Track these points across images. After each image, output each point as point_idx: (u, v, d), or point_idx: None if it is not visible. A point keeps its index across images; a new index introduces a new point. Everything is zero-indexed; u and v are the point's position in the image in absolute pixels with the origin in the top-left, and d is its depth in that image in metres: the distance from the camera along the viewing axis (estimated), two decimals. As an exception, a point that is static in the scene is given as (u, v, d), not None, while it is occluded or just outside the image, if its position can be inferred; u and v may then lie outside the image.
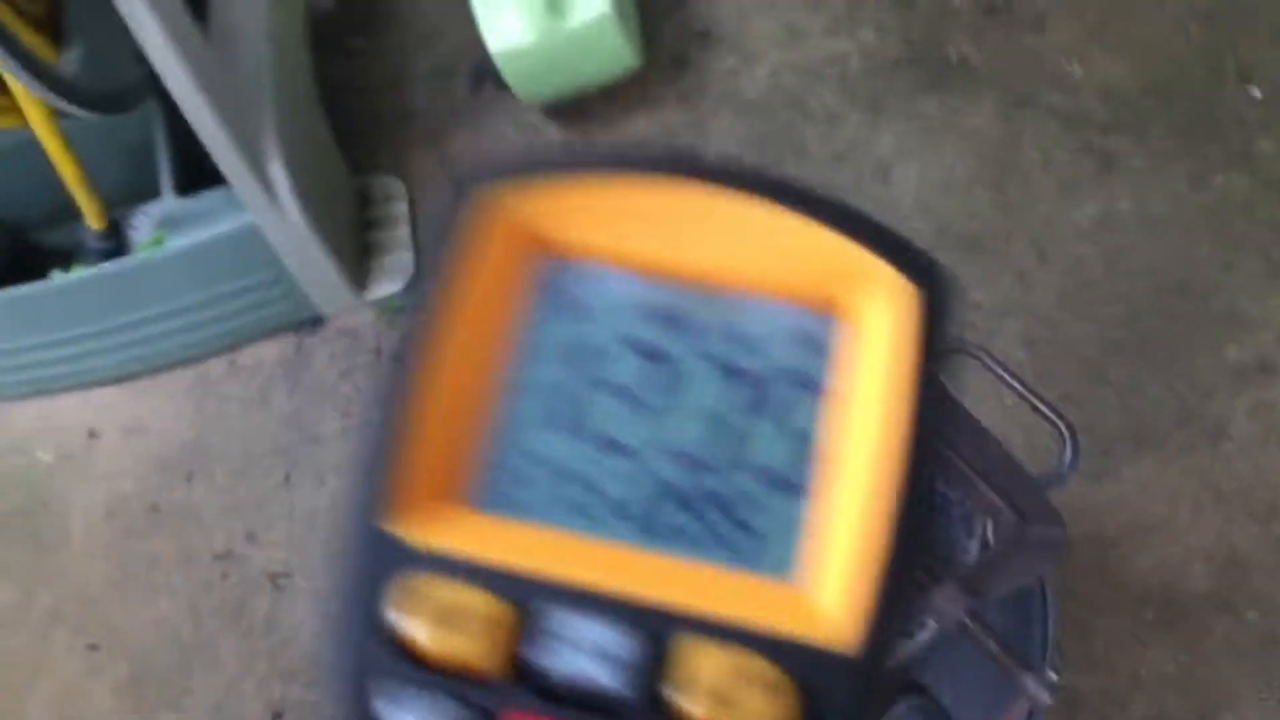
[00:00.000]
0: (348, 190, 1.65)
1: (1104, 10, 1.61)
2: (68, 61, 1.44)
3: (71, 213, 1.54)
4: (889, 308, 0.39)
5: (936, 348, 0.38)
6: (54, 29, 1.48)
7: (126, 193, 1.62)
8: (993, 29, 1.62)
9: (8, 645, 1.52)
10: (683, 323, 0.41)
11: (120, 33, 1.25)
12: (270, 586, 1.48)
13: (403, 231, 1.64)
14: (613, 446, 0.40)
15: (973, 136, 1.55)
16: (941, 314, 0.39)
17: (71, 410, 1.63)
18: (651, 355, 0.41)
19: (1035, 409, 0.99)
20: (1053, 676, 0.69)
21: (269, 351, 1.61)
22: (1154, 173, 1.50)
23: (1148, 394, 1.38)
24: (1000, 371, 1.01)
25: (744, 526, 0.38)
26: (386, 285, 1.61)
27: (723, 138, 1.61)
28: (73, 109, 1.30)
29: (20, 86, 1.29)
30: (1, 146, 1.56)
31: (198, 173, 1.52)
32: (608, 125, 1.64)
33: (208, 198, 1.53)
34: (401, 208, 1.65)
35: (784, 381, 0.40)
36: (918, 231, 1.50)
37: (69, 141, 1.41)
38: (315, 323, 1.61)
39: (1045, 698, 0.69)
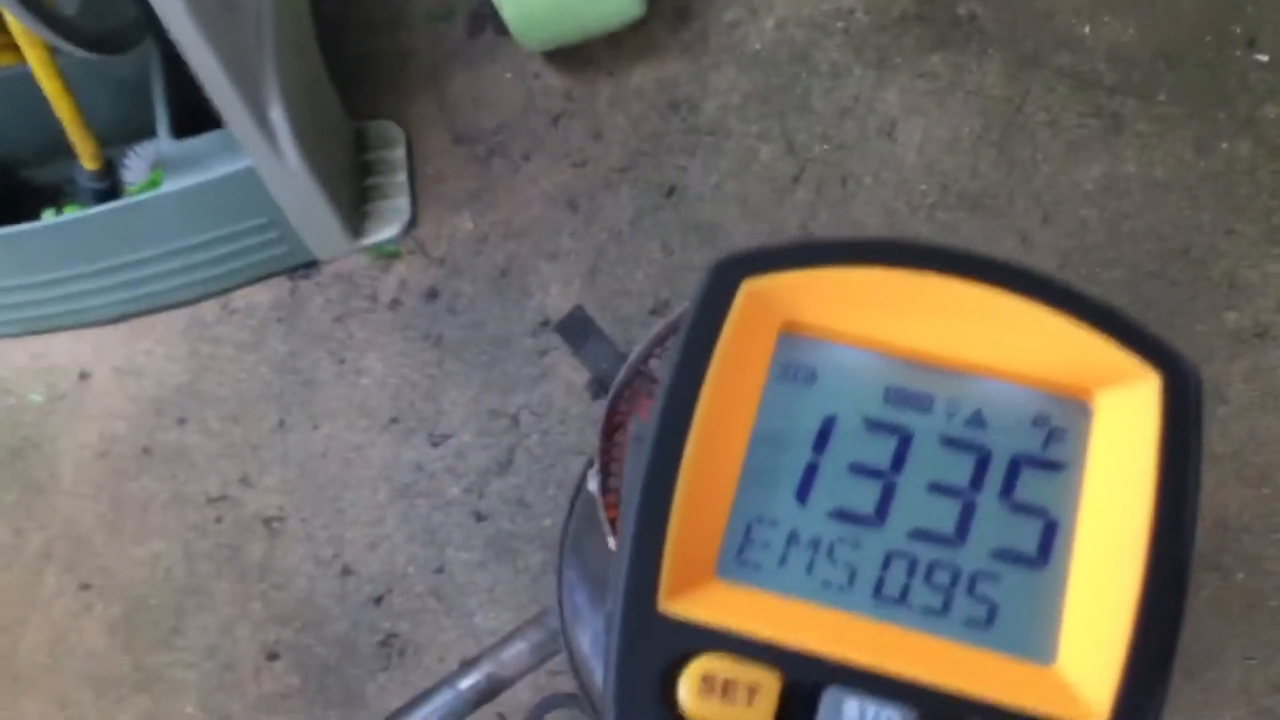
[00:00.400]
0: (345, 134, 1.63)
1: (1112, -30, 1.60)
2: (66, 0, 1.41)
3: (65, 151, 1.52)
4: (1132, 394, 0.40)
5: (1184, 432, 0.39)
6: (49, -38, 1.45)
7: (121, 133, 1.59)
8: (1001, -14, 1.60)
9: (-1, 584, 1.52)
10: (923, 402, 0.42)
11: (120, -32, 1.22)
12: (265, 530, 1.48)
13: (400, 177, 1.62)
14: (861, 522, 0.41)
15: (979, 95, 1.54)
16: (1185, 399, 0.39)
17: (63, 351, 1.62)
18: (893, 432, 0.42)
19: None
20: None
21: (263, 295, 1.60)
22: (1160, 137, 1.49)
23: (1146, 358, 1.38)
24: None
25: (991, 606, 0.39)
26: (383, 230, 1.60)
27: (726, 90, 1.60)
28: (70, 47, 1.28)
29: (18, 24, 1.27)
30: (-6, 81, 1.53)
31: (194, 115, 1.50)
32: (609, 74, 1.63)
33: (204, 140, 1.51)
34: (399, 152, 1.64)
35: (1025, 463, 0.41)
36: (921, 190, 1.50)
37: (65, 80, 1.39)
38: (310, 266, 1.60)
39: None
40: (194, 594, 1.47)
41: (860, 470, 0.41)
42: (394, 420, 1.51)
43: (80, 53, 1.29)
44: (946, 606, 0.39)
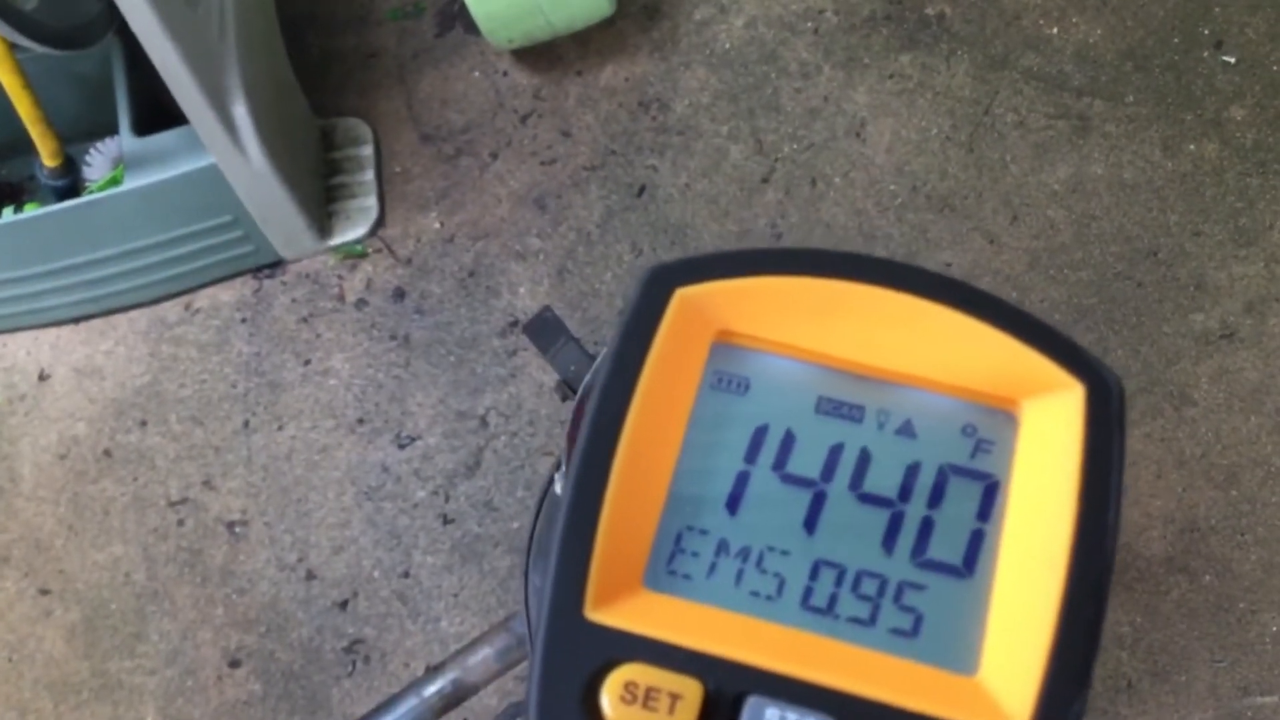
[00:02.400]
0: (311, 132, 1.61)
1: (1080, -29, 1.60)
2: (24, -8, 1.39)
3: (26, 148, 1.49)
4: (1056, 403, 0.40)
5: (1106, 441, 0.39)
6: (7, -44, 1.43)
7: (83, 130, 1.57)
8: (970, -13, 1.60)
9: (-44, 589, 1.49)
10: (854, 413, 0.42)
11: (79, -38, 1.20)
12: (228, 534, 1.46)
13: (367, 176, 1.60)
14: (790, 532, 0.41)
15: (948, 96, 1.54)
16: (1108, 409, 0.39)
17: (22, 350, 1.59)
18: (824, 442, 0.42)
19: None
20: None
21: (227, 294, 1.58)
22: (1128, 138, 1.49)
23: (1114, 359, 1.39)
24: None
25: (917, 615, 0.39)
26: (350, 230, 1.58)
27: (695, 90, 1.59)
28: (30, 43, 1.25)
29: (-26, 16, 1.24)
30: (-49, 76, 1.50)
31: (156, 111, 1.48)
32: (578, 73, 1.61)
33: (167, 137, 1.49)
34: (366, 151, 1.62)
35: (953, 473, 0.41)
36: (890, 190, 1.50)
37: (26, 76, 1.37)
38: (275, 266, 1.58)
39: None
40: (155, 599, 1.45)
41: (791, 480, 0.42)
42: (360, 421, 1.49)
43: (40, 48, 1.26)
44: (873, 617, 0.39)
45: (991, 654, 0.38)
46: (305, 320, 1.55)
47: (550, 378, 1.45)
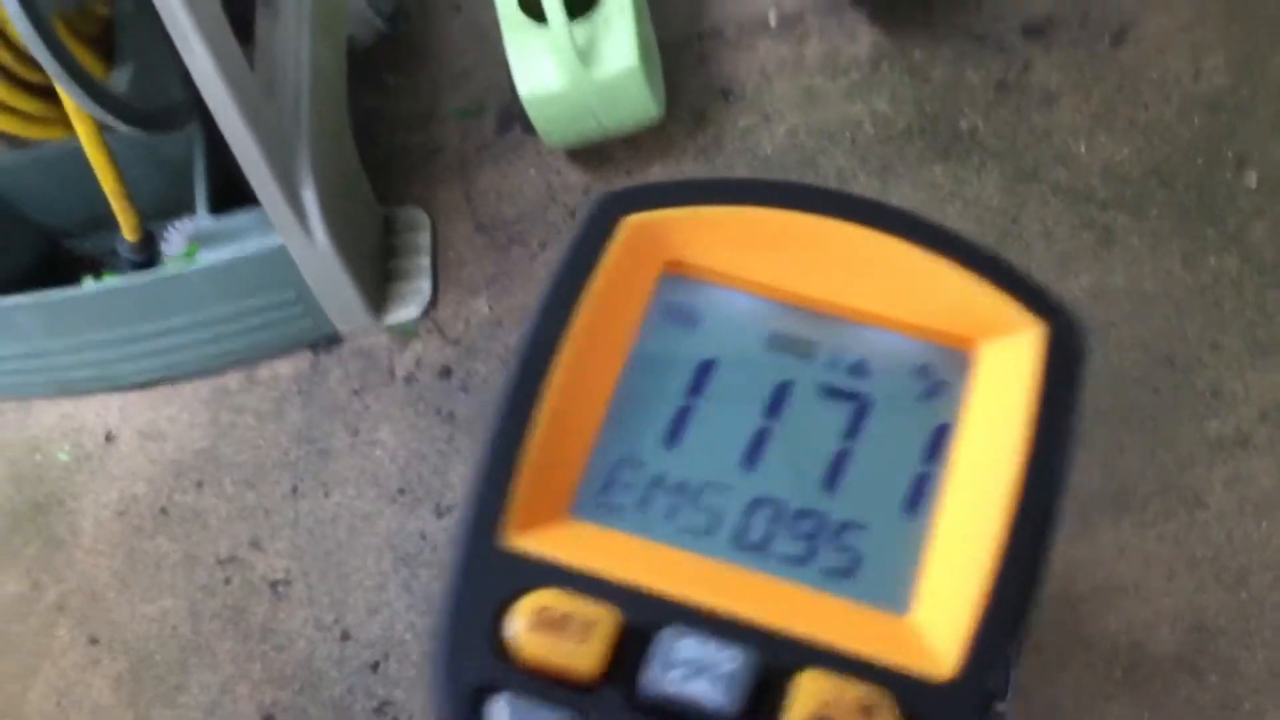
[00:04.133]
0: (373, 218, 1.72)
1: (1112, 96, 1.67)
2: (117, 79, 1.51)
3: (107, 223, 1.61)
4: (1015, 345, 0.39)
5: (1062, 385, 0.38)
6: (106, 48, 1.56)
7: (162, 208, 1.68)
8: (1003, 105, 1.68)
9: (13, 633, 1.57)
10: (805, 349, 0.41)
11: (169, 55, 1.32)
12: (270, 593, 1.53)
13: (423, 260, 1.70)
14: (730, 468, 0.40)
15: (976, 204, 1.61)
16: (1068, 352, 0.39)
17: (92, 412, 1.69)
18: (772, 378, 0.41)
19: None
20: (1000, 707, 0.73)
21: (286, 367, 1.67)
22: (1150, 251, 1.55)
23: (1129, 461, 1.42)
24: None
25: (855, 555, 0.38)
26: (403, 310, 1.67)
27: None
28: (120, 125, 1.37)
29: (71, 101, 1.36)
30: (46, 156, 1.63)
31: (230, 192, 1.59)
32: (627, 172, 1.71)
33: (239, 217, 1.60)
34: (424, 237, 1.72)
35: (904, 413, 0.40)
36: (917, 292, 1.56)
37: (112, 155, 1.49)
38: (332, 341, 1.67)
39: None
40: (198, 652, 1.52)
41: (735, 416, 0.40)
42: (402, 491, 1.56)
43: (128, 130, 1.38)
44: (809, 555, 0.38)
45: (926, 595, 0.37)
46: (356, 393, 1.64)
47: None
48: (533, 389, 0.39)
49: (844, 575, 0.38)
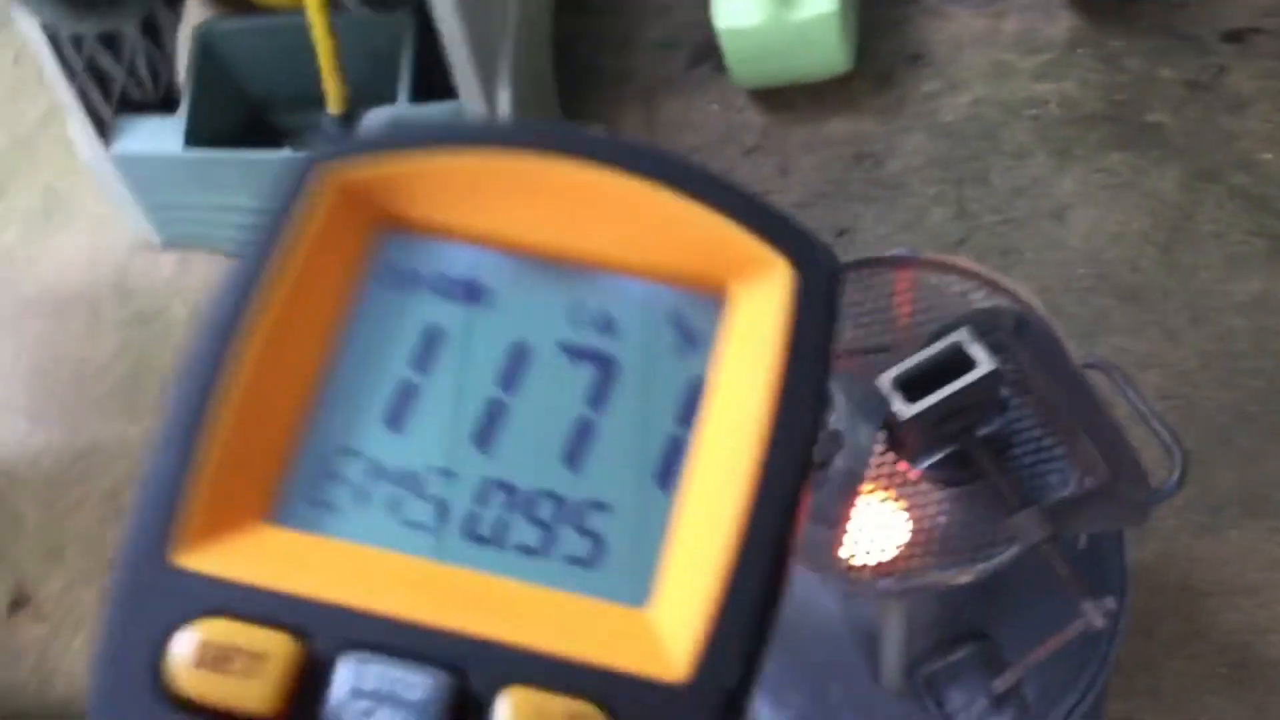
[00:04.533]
0: (558, 131, 1.79)
1: (1307, 110, 1.66)
2: (347, -42, 1.61)
3: (312, 101, 1.70)
4: (763, 287, 0.35)
5: (810, 332, 0.33)
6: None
7: (363, 97, 1.78)
8: (1193, 104, 1.68)
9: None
10: (543, 307, 0.36)
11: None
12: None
13: (599, 178, 1.76)
14: (460, 448, 0.34)
15: (1152, 197, 1.61)
16: (817, 293, 0.34)
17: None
18: (507, 342, 0.35)
19: (1154, 430, 1.05)
20: (1112, 604, 0.76)
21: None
22: (1322, 266, 1.53)
23: (1268, 468, 1.42)
24: (1126, 389, 1.08)
25: (597, 541, 0.33)
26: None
27: (911, 153, 1.70)
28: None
29: (305, -29, 1.46)
30: (267, 27, 1.74)
31: (430, 87, 1.68)
32: (807, 120, 1.75)
33: (435, 108, 1.68)
34: (602, 157, 1.78)
35: (654, 369, 0.35)
36: (1079, 274, 1.57)
37: (332, 28, 1.58)
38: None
39: (1098, 620, 0.76)
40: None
41: (466, 389, 0.35)
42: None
43: (354, 4, 1.47)
44: (547, 544, 0.33)
45: (666, 584, 0.32)
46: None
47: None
48: (215, 374, 0.33)
49: (585, 565, 0.33)
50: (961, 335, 0.80)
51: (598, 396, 0.35)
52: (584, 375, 0.35)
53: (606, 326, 0.35)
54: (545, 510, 0.33)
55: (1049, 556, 0.77)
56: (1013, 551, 0.77)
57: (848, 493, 0.82)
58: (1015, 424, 0.84)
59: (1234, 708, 1.32)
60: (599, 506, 0.33)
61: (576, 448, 0.34)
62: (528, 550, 0.33)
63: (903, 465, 0.85)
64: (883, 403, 0.83)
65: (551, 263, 0.36)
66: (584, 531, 0.33)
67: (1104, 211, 1.61)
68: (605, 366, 0.35)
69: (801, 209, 1.68)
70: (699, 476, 0.33)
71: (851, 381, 0.85)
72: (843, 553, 0.84)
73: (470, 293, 0.36)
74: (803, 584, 1.02)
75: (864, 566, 0.85)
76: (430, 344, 0.35)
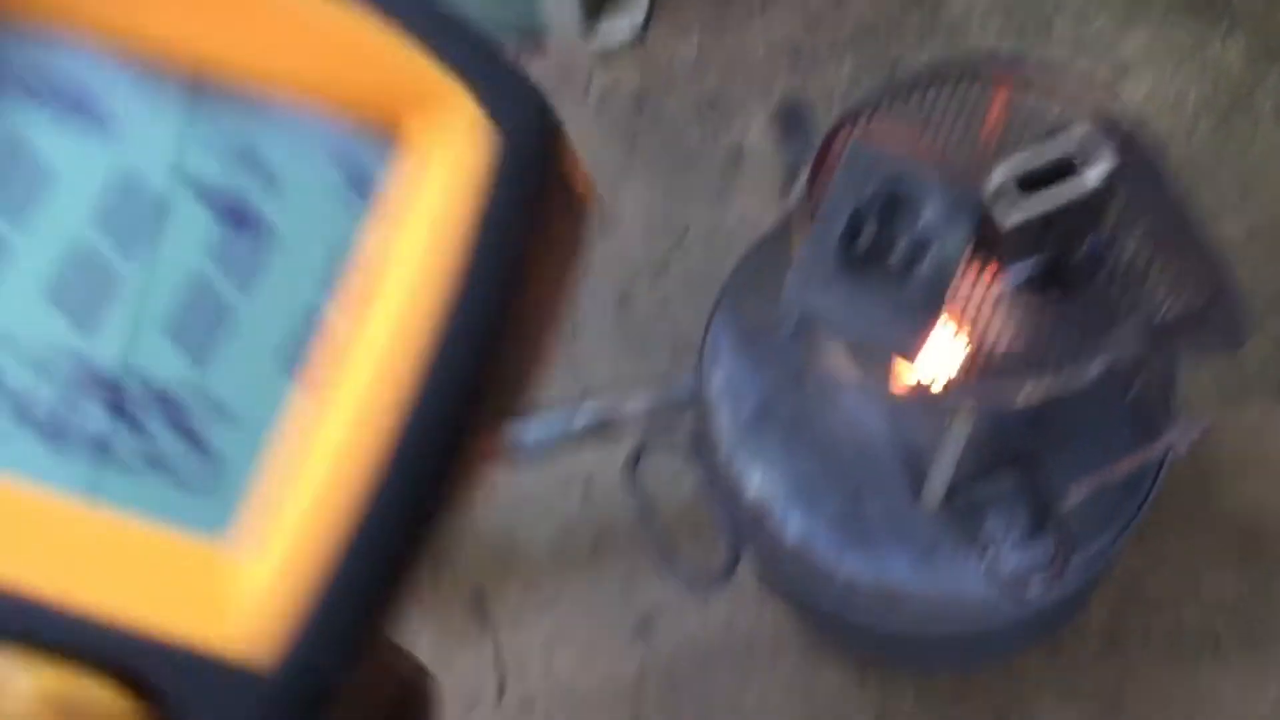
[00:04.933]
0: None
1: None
2: None
3: None
4: (451, 143, 0.28)
5: (510, 216, 0.28)
6: None
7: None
8: (1267, -21, 1.62)
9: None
10: (159, 124, 0.27)
11: None
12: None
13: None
14: (66, 335, 0.26)
15: (1214, 68, 1.56)
16: (526, 166, 0.28)
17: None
18: (110, 173, 0.27)
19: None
20: (1203, 426, 0.74)
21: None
22: (1379, 155, 1.50)
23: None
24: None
25: (197, 445, 0.26)
26: (612, 35, 1.67)
27: (968, 2, 1.64)
28: None
29: None
30: None
31: None
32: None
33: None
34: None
35: (300, 227, 0.28)
36: (1131, 138, 1.53)
37: None
38: (535, 52, 1.68)
39: (1184, 445, 0.74)
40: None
41: (70, 254, 0.27)
42: (572, 200, 1.58)
43: None
44: (126, 443, 0.26)
45: (262, 510, 0.25)
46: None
47: (755, 214, 1.52)
48: None
49: (172, 479, 0.26)
50: (1083, 133, 0.76)
51: (226, 256, 0.27)
52: (214, 227, 0.27)
53: (250, 163, 0.28)
54: (135, 399, 0.25)
55: (1137, 374, 0.74)
56: (1103, 362, 0.74)
57: (930, 305, 0.79)
58: (1114, 241, 0.80)
59: (1234, 581, 1.32)
60: (208, 399, 0.26)
61: (192, 321, 0.26)
62: (99, 447, 0.25)
63: (988, 277, 0.82)
64: (976, 209, 0.80)
65: (186, 77, 0.27)
66: (181, 430, 0.26)
67: (1164, 76, 1.56)
68: (242, 217, 0.28)
69: (851, 43, 1.62)
70: (342, 372, 0.25)
71: (943, 187, 0.81)
72: (919, 366, 0.81)
73: (77, 105, 0.27)
74: (851, 398, 0.99)
75: (935, 380, 0.82)
76: (12, 163, 0.26)
